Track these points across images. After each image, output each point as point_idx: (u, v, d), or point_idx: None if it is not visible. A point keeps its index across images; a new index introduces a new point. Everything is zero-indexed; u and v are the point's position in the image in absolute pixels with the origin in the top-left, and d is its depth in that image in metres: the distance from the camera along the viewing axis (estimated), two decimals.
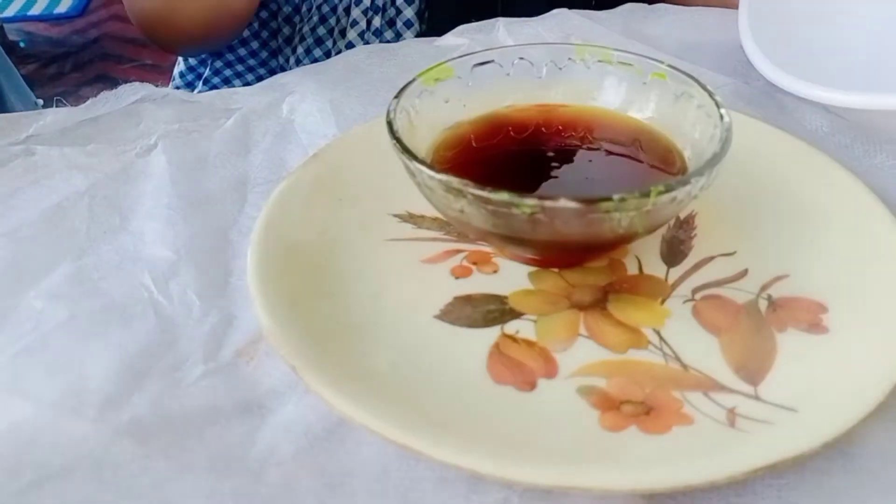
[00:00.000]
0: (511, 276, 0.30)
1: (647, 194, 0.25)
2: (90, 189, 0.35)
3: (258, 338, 0.27)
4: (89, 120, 0.42)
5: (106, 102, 0.43)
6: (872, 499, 0.22)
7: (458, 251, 0.32)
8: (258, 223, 0.30)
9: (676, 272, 0.30)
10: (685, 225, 0.33)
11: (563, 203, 0.25)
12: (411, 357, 0.27)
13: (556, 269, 0.30)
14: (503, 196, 0.25)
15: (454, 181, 0.26)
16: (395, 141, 0.28)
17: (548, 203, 0.25)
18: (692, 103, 0.31)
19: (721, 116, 0.29)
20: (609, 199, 0.25)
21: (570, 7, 0.51)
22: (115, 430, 0.24)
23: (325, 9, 0.58)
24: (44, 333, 0.28)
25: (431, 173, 0.27)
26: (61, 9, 2.49)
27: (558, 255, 0.30)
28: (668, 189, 0.26)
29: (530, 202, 0.25)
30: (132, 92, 0.43)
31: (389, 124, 0.29)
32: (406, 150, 0.28)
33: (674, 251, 0.31)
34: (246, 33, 0.61)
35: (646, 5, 0.52)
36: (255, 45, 0.62)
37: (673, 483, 0.21)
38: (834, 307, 0.28)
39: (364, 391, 0.24)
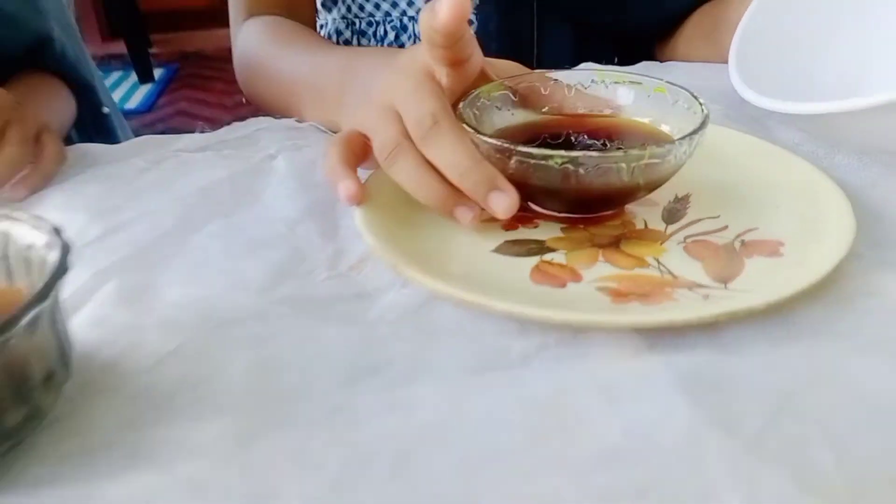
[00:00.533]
0: (547, 230, 0.41)
1: (644, 148, 0.36)
2: (229, 177, 0.47)
3: (365, 257, 0.38)
4: (220, 141, 0.54)
5: (234, 130, 0.55)
6: (804, 342, 0.31)
7: None
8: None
9: (673, 227, 0.40)
10: (681, 201, 0.43)
11: (584, 153, 0.36)
12: (475, 269, 0.37)
13: (581, 226, 0.41)
14: (541, 151, 0.36)
15: (506, 142, 0.37)
16: (463, 122, 0.39)
17: (573, 153, 0.36)
18: (683, 106, 0.42)
19: (702, 110, 0.40)
20: (616, 151, 0.36)
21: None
22: (270, 301, 0.34)
23: None
24: (209, 255, 0.39)
25: (489, 139, 0.38)
26: (131, 105, 2.74)
27: (583, 206, 0.40)
28: (660, 146, 0.36)
29: (561, 153, 0.36)
30: (254, 124, 0.56)
31: (460, 115, 0.40)
32: (472, 127, 0.39)
33: (672, 215, 0.41)
34: None
35: (658, 62, 0.64)
36: None
37: (660, 321, 0.30)
38: (789, 243, 0.38)
39: (446, 279, 0.34)
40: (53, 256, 0.28)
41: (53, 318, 0.28)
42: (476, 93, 0.43)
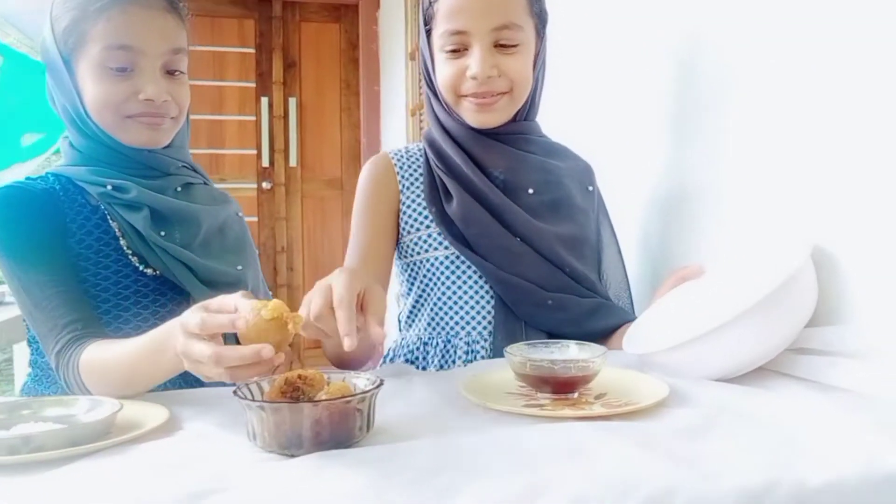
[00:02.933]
0: (541, 398, 0.94)
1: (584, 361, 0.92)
2: None
3: None
4: None
5: None
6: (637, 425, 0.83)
7: None
8: None
9: (596, 401, 0.95)
10: (600, 396, 0.97)
11: (558, 359, 0.92)
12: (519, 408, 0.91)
13: (556, 398, 0.95)
14: (543, 359, 0.92)
15: (526, 358, 0.93)
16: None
17: (553, 358, 0.92)
18: (600, 351, 0.99)
19: (604, 352, 0.96)
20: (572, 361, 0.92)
21: None
22: None
23: None
24: None
25: (515, 355, 0.94)
26: None
27: (558, 388, 0.95)
28: (588, 360, 0.92)
29: (553, 359, 0.92)
30: None
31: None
32: (513, 354, 0.95)
33: (597, 399, 0.96)
34: None
35: None
36: None
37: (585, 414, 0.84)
38: (639, 401, 0.92)
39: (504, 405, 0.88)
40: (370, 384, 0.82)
41: (373, 400, 0.81)
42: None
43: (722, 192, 1.33)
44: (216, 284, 1.22)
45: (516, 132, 1.33)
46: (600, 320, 1.29)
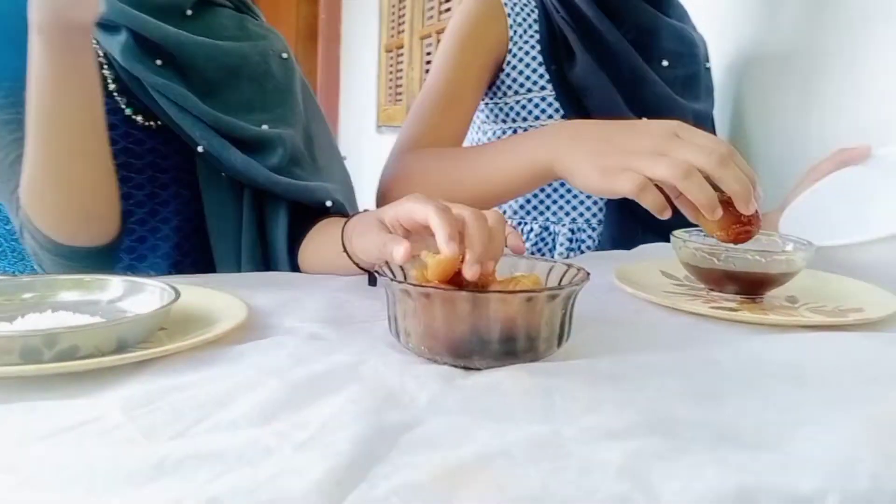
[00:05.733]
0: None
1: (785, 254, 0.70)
2: None
3: None
4: None
5: None
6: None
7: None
8: None
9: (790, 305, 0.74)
10: (790, 297, 0.76)
11: (763, 251, 0.70)
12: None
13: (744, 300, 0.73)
14: (741, 248, 0.70)
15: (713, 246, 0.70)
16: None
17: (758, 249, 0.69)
18: (802, 244, 0.77)
19: (809, 244, 0.75)
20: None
21: None
22: None
23: None
24: None
25: (699, 245, 0.71)
26: None
27: (748, 287, 0.73)
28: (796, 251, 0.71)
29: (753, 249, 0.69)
30: None
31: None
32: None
33: (791, 301, 0.75)
34: None
35: None
36: None
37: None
38: (866, 311, 0.71)
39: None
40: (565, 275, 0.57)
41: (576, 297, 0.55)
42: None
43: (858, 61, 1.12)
44: (231, 142, 0.89)
45: None
46: None
